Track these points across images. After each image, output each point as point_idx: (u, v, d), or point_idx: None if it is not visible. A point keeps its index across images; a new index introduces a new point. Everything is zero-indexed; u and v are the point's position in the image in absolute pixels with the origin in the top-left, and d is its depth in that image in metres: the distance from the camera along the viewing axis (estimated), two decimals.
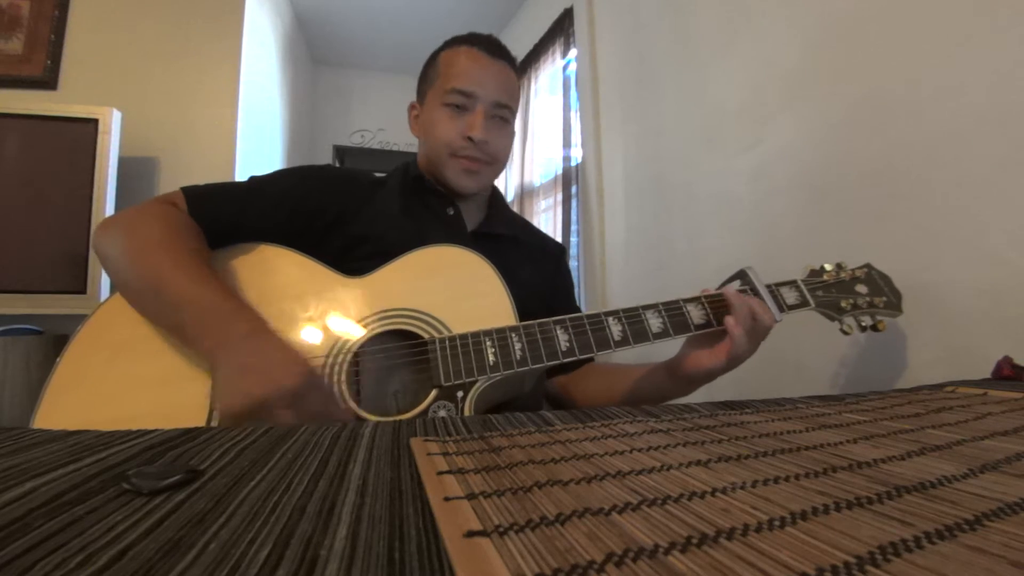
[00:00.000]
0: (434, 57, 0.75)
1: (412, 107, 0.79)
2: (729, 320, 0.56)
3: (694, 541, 0.16)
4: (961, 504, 0.20)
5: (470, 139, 0.69)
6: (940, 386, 0.53)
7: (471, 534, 0.17)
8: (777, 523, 0.18)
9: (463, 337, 0.55)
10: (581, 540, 0.16)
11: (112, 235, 0.59)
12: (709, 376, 0.58)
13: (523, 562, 0.15)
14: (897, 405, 0.41)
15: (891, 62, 0.81)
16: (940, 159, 0.73)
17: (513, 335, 0.56)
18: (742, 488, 0.22)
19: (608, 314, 0.57)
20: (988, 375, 0.59)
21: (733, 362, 0.57)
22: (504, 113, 0.72)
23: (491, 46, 0.72)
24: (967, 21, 0.71)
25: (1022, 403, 0.42)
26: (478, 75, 0.70)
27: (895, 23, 0.81)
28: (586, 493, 0.21)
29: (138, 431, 0.33)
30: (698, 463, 0.25)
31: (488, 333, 0.56)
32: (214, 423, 0.52)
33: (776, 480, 0.23)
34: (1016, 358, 0.59)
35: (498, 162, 0.74)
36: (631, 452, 0.27)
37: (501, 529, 0.17)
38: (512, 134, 0.76)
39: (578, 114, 1.94)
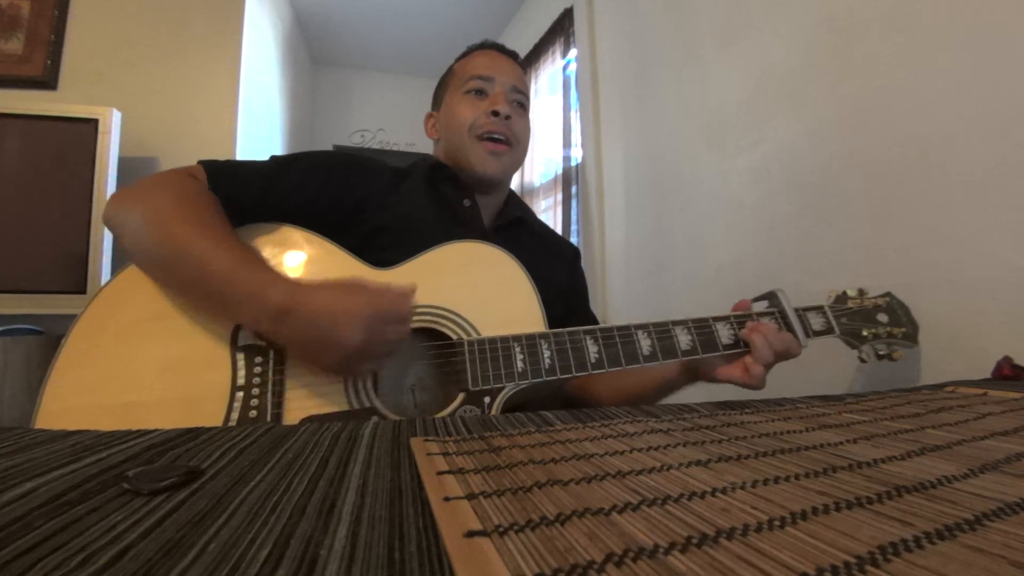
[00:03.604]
0: (449, 68, 0.80)
1: (429, 116, 0.81)
2: (753, 362, 0.57)
3: (694, 541, 0.16)
4: (961, 504, 0.20)
5: (495, 114, 0.71)
6: (940, 386, 0.53)
7: (471, 534, 0.17)
8: (777, 523, 0.18)
9: (492, 341, 0.54)
10: (581, 540, 0.16)
11: (130, 204, 0.56)
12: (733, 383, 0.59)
13: (523, 562, 0.15)
14: (897, 405, 0.41)
15: (891, 62, 0.81)
16: (940, 159, 0.73)
17: (543, 342, 0.54)
18: (742, 488, 0.22)
19: (638, 327, 0.57)
20: (988, 375, 0.59)
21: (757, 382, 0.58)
22: (521, 99, 0.75)
23: (502, 47, 0.79)
24: (967, 21, 0.71)
25: (1022, 403, 0.42)
26: (494, 64, 0.75)
27: (894, 23, 0.81)
28: (586, 493, 0.21)
29: (138, 431, 0.33)
30: (698, 463, 0.25)
31: (518, 339, 0.54)
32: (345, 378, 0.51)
33: (776, 480, 0.23)
34: (1016, 358, 0.59)
35: (520, 144, 0.75)
36: (631, 452, 0.27)
37: (501, 529, 0.17)
38: (529, 124, 0.78)
39: (578, 114, 1.94)
